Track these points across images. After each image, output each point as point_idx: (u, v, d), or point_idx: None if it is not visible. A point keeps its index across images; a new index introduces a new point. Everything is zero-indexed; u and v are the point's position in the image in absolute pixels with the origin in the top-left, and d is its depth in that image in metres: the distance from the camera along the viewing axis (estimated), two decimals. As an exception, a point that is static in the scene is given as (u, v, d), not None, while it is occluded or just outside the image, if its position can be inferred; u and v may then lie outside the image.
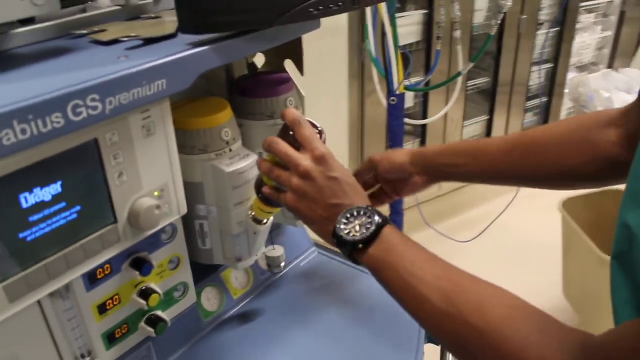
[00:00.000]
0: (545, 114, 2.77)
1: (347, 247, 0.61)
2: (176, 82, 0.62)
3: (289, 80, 0.89)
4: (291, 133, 0.69)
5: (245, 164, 0.77)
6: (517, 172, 0.74)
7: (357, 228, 0.61)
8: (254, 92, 0.86)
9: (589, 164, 0.68)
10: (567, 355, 0.44)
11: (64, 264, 0.59)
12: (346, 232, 0.61)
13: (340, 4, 0.67)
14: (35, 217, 0.55)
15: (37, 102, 0.50)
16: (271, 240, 0.90)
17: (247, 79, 0.92)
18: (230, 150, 0.78)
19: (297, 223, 0.95)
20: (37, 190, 0.55)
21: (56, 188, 0.56)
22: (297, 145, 0.68)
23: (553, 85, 2.71)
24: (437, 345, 0.86)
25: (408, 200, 1.95)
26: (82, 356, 0.68)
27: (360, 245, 0.60)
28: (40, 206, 0.55)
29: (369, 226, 0.60)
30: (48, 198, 0.56)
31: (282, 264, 0.92)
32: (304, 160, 0.65)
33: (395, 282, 0.57)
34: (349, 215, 0.62)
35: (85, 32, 0.71)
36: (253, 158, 0.78)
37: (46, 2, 0.59)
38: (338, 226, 0.61)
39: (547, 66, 2.65)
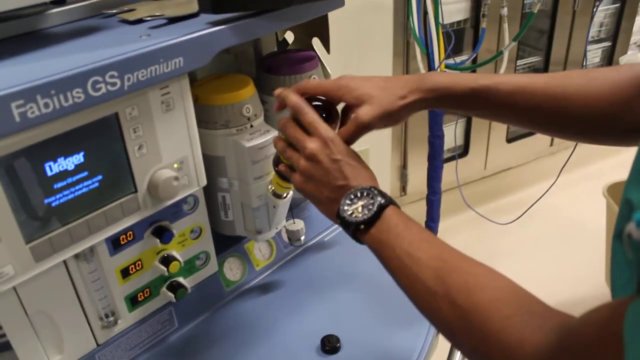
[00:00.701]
0: (601, 95, 2.66)
1: (350, 228, 0.62)
2: (193, 60, 0.65)
3: (313, 57, 0.91)
4: None
5: (264, 140, 0.79)
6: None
7: (360, 209, 0.61)
8: (278, 69, 0.88)
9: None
10: (545, 336, 0.44)
11: (86, 228, 0.63)
12: (349, 212, 0.62)
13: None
14: (59, 185, 0.60)
15: (59, 78, 0.54)
16: (292, 214, 0.93)
17: (273, 56, 0.94)
18: (251, 126, 0.80)
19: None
20: (60, 160, 0.59)
21: (79, 158, 0.61)
22: None
23: (610, 65, 2.59)
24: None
25: (448, 182, 1.94)
26: (106, 315, 0.74)
27: (362, 226, 0.61)
28: (63, 174, 0.60)
29: (371, 207, 0.61)
30: (71, 167, 0.60)
31: (302, 238, 0.94)
32: (310, 143, 0.66)
33: (392, 262, 0.58)
34: (352, 197, 0.63)
35: (115, 11, 0.75)
36: (273, 134, 0.81)
37: (73, -16, 0.63)
38: (341, 207, 0.62)
39: (604, 44, 2.54)
